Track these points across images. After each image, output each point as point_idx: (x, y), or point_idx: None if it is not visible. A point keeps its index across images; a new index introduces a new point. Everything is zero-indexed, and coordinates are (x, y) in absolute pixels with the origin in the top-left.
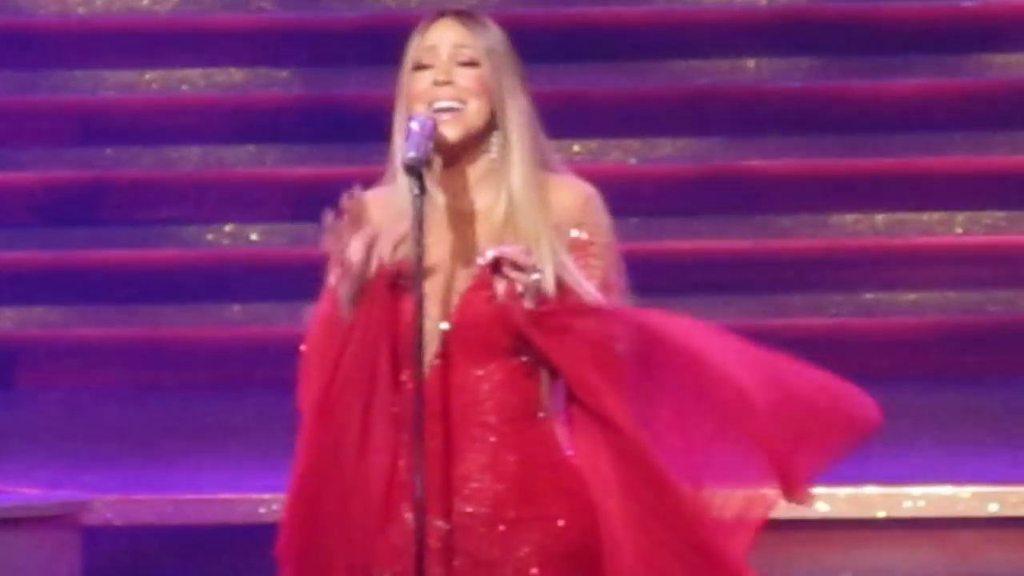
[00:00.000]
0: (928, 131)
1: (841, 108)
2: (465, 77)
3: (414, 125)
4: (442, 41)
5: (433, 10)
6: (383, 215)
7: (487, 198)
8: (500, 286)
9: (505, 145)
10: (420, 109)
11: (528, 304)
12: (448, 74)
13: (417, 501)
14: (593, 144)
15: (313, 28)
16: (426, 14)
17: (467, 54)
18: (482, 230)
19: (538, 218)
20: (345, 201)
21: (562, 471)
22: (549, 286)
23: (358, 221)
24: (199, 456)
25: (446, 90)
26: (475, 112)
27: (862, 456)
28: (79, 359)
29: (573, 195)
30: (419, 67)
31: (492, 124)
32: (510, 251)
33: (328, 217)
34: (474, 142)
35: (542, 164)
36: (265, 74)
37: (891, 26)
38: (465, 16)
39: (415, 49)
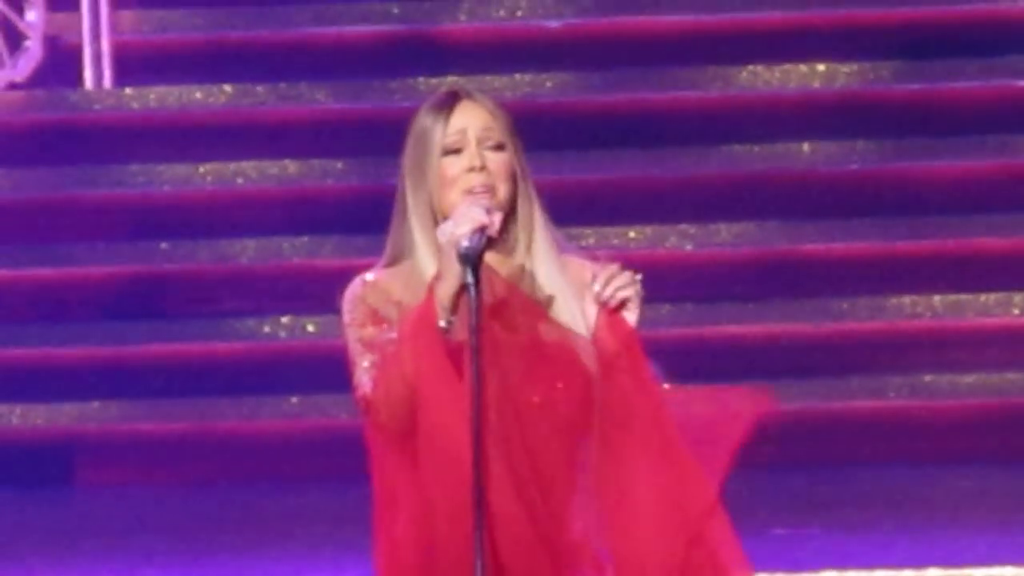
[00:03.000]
0: (984, 212)
1: (896, 190)
2: (495, 162)
3: (473, 212)
4: (470, 124)
5: (444, 91)
6: (406, 294)
7: (508, 274)
8: (630, 316)
9: (525, 227)
10: (452, 196)
11: (636, 310)
12: (482, 159)
13: None
14: (649, 230)
15: (367, 118)
16: (436, 94)
17: (494, 137)
18: None
19: (569, 298)
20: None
21: None
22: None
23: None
24: (259, 550)
25: (480, 176)
26: (504, 196)
27: (925, 539)
28: (138, 454)
29: (589, 272)
30: (449, 152)
31: (514, 207)
32: (602, 280)
33: None
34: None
35: (555, 242)
36: (319, 165)
37: (945, 108)
38: (482, 97)
39: (440, 133)
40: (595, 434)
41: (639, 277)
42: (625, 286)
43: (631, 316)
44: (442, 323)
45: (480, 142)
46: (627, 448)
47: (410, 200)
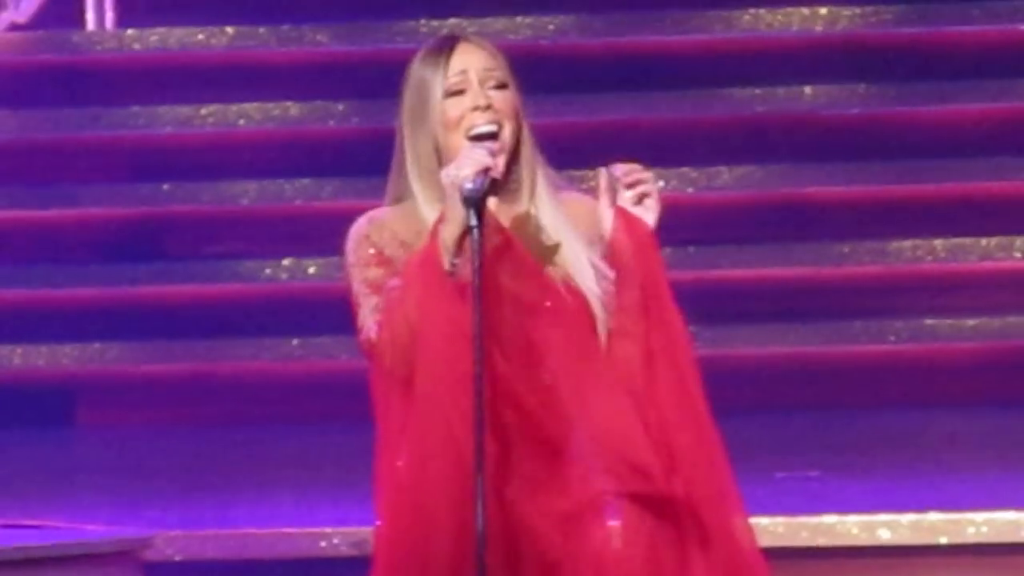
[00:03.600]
0: (987, 156)
1: (898, 134)
2: (500, 100)
3: (477, 154)
4: (471, 65)
5: (440, 36)
6: (410, 235)
7: (513, 217)
8: (648, 215)
9: (528, 170)
10: (456, 138)
11: (655, 209)
12: (487, 98)
13: (480, 536)
14: (651, 173)
15: (369, 61)
16: (431, 40)
17: (496, 77)
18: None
19: (574, 242)
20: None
21: None
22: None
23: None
24: (260, 491)
25: (486, 115)
26: (509, 135)
27: (926, 483)
28: (139, 395)
29: (587, 208)
30: (452, 93)
31: (517, 149)
32: (625, 168)
33: None
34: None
35: (553, 184)
36: (321, 107)
37: (948, 51)
38: (478, 39)
39: (442, 76)
40: (608, 336)
41: (660, 184)
42: (646, 181)
43: (650, 216)
44: (446, 266)
45: (483, 82)
46: (640, 348)
47: (408, 149)
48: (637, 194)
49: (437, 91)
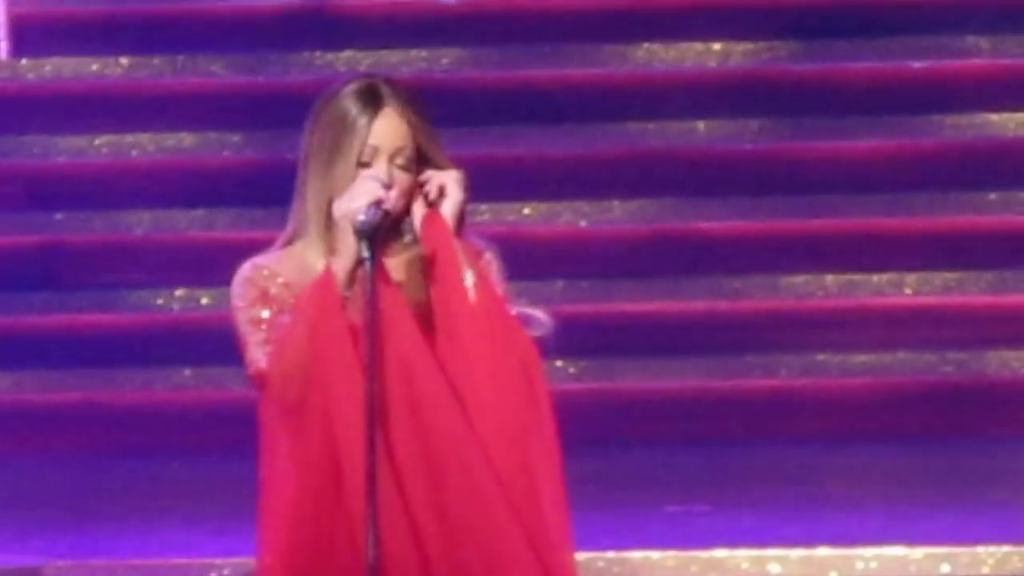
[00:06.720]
0: (878, 192)
1: (790, 170)
2: (402, 180)
3: (370, 187)
4: (384, 142)
5: (367, 86)
6: (296, 276)
7: (407, 261)
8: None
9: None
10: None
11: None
12: (390, 178)
13: (371, 564)
14: (544, 207)
15: (264, 92)
16: (356, 85)
17: (406, 156)
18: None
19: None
20: None
21: None
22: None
23: None
24: (151, 520)
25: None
26: (399, 204)
27: (816, 517)
28: (29, 424)
29: (475, 251)
30: (361, 164)
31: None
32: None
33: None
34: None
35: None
36: (216, 138)
37: (840, 88)
38: (403, 104)
39: (358, 146)
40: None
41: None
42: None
43: (448, 204)
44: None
45: (391, 159)
46: (456, 355)
47: (310, 185)
48: (436, 192)
49: (350, 155)
